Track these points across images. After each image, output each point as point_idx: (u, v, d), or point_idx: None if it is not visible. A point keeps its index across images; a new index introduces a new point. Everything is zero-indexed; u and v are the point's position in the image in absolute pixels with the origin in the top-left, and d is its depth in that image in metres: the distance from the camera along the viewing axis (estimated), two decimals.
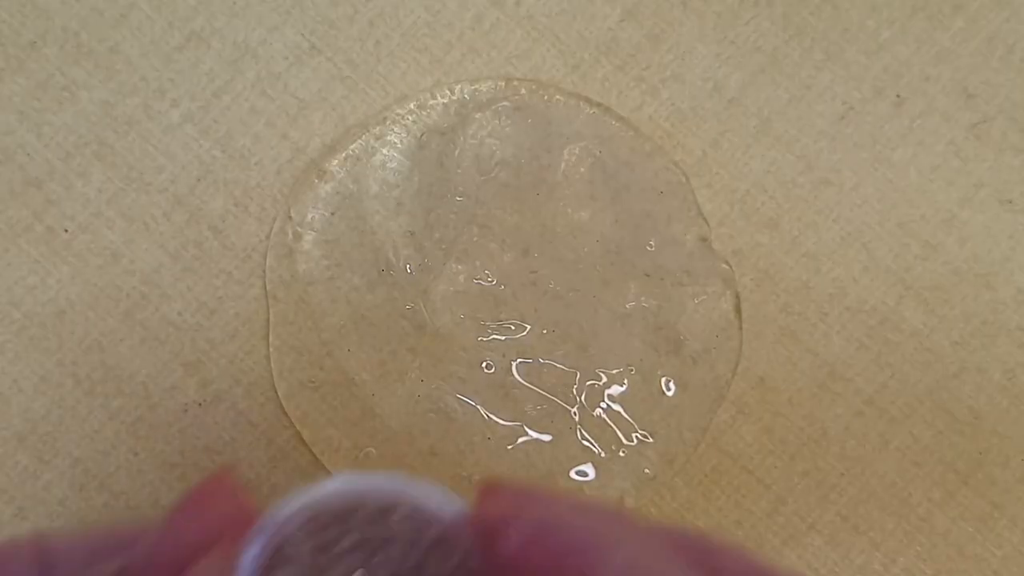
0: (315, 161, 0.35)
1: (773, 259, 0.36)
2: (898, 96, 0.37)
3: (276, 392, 0.34)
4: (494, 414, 0.34)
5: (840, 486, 0.34)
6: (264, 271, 0.34)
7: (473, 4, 0.37)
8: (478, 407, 0.34)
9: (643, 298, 0.35)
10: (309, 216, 0.35)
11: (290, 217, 0.35)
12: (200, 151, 0.35)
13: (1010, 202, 0.36)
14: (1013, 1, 0.38)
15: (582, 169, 0.35)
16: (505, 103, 0.35)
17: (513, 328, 0.34)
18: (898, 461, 0.34)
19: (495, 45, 0.37)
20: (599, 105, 0.36)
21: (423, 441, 0.33)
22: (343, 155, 0.35)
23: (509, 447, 0.33)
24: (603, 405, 0.34)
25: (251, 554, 0.19)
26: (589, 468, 0.33)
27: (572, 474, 0.33)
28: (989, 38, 0.38)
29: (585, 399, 0.34)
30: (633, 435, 0.34)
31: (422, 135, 0.35)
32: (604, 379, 0.34)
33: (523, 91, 0.36)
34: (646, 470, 0.33)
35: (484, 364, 0.34)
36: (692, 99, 0.37)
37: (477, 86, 0.36)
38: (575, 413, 0.34)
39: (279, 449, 0.34)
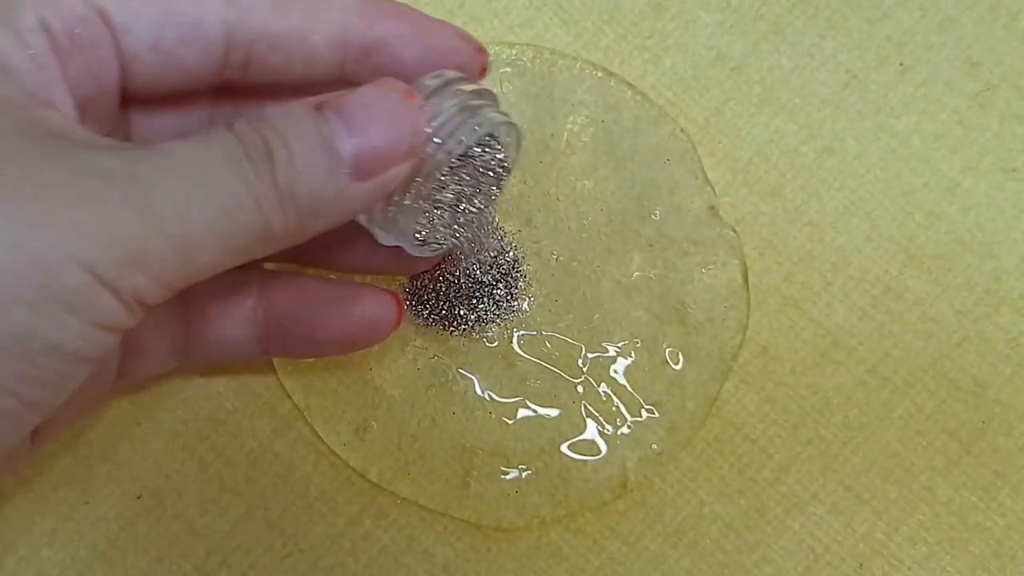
0: None
1: (776, 228, 0.36)
2: (901, 64, 0.37)
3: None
4: (495, 387, 0.34)
5: (843, 455, 0.34)
6: None
7: None
8: (479, 380, 0.34)
9: (648, 268, 0.34)
10: None
11: None
12: None
13: (1014, 170, 0.36)
14: None
15: (585, 138, 0.35)
16: (507, 69, 0.35)
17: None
18: (901, 430, 0.34)
19: (497, 13, 0.37)
20: (604, 69, 0.35)
21: (423, 414, 0.33)
22: None
23: (511, 421, 0.33)
24: (608, 378, 0.34)
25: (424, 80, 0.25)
26: (594, 443, 0.33)
27: (577, 449, 0.33)
28: (993, 6, 0.37)
29: (589, 372, 0.34)
30: (640, 410, 0.33)
31: None
32: (609, 352, 0.34)
33: (527, 55, 0.35)
34: (653, 446, 0.33)
35: (485, 336, 0.34)
36: (695, 68, 0.37)
37: None
38: (579, 387, 0.34)
39: (281, 419, 0.34)
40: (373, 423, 0.33)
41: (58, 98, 0.22)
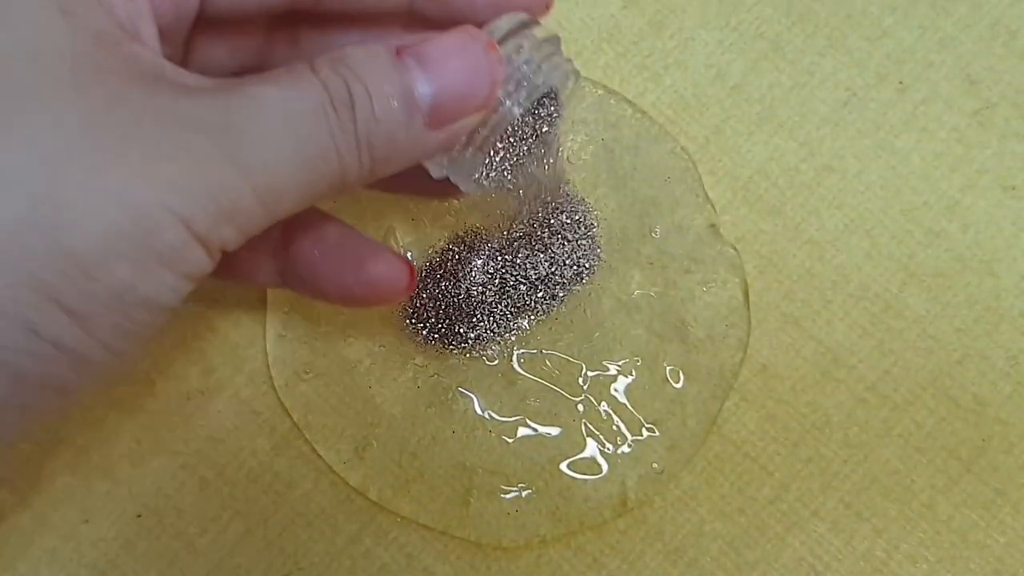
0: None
1: (776, 246, 0.36)
2: (901, 83, 0.37)
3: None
4: (496, 406, 0.34)
5: (843, 473, 0.34)
6: None
7: None
8: (479, 399, 0.34)
9: (649, 286, 0.34)
10: None
11: None
12: None
13: (1013, 188, 0.36)
14: None
15: (586, 155, 0.35)
16: None
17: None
18: (901, 448, 0.34)
19: None
20: (604, 87, 0.36)
21: (423, 432, 0.33)
22: None
23: (511, 440, 0.33)
24: (609, 397, 0.34)
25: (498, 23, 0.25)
26: (594, 462, 0.33)
27: (577, 468, 0.33)
28: (992, 24, 0.37)
29: (590, 390, 0.34)
30: (641, 428, 0.33)
31: None
32: (610, 370, 0.34)
33: None
34: (654, 464, 0.33)
35: (485, 355, 0.34)
36: (695, 86, 0.37)
37: None
38: (580, 405, 0.34)
39: (281, 437, 0.34)
40: (373, 441, 0.33)
41: (144, 30, 0.22)
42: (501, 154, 0.27)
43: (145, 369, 0.34)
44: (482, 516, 0.33)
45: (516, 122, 0.27)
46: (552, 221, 0.34)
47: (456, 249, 0.34)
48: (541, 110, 0.28)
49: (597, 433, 0.33)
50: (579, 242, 0.34)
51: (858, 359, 0.35)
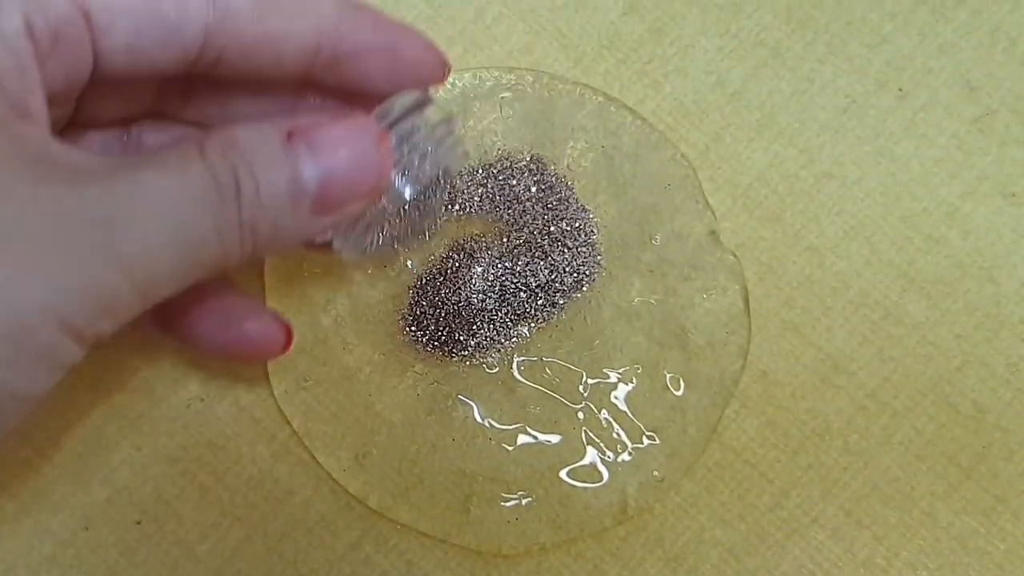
0: None
1: (776, 253, 0.36)
2: (900, 89, 0.37)
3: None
4: (496, 414, 0.34)
5: (843, 480, 0.34)
6: (264, 266, 0.34)
7: None
8: (479, 406, 0.34)
9: (649, 293, 0.34)
10: None
11: None
12: None
13: (1013, 195, 0.36)
14: None
15: (585, 163, 0.35)
16: (506, 94, 0.35)
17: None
18: (901, 455, 0.34)
19: (497, 39, 0.37)
20: (604, 94, 0.36)
21: (423, 440, 0.33)
22: None
23: (511, 447, 0.33)
24: (609, 404, 0.34)
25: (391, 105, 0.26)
26: (595, 470, 0.33)
27: (577, 476, 0.33)
28: (992, 31, 0.37)
29: (590, 398, 0.34)
30: (642, 436, 0.33)
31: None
32: (610, 377, 0.34)
33: (526, 80, 0.35)
34: (654, 472, 0.33)
35: (485, 362, 0.34)
36: (695, 93, 0.37)
37: (480, 74, 0.35)
38: (580, 413, 0.34)
39: (281, 444, 0.34)
40: (373, 449, 0.33)
41: (33, 104, 0.22)
42: (387, 231, 0.28)
43: (145, 376, 0.34)
44: (482, 523, 0.33)
45: (404, 205, 0.28)
46: (552, 228, 0.34)
47: (456, 257, 0.34)
48: (429, 189, 0.28)
49: (597, 441, 0.33)
50: (579, 249, 0.34)
51: (858, 366, 0.35)
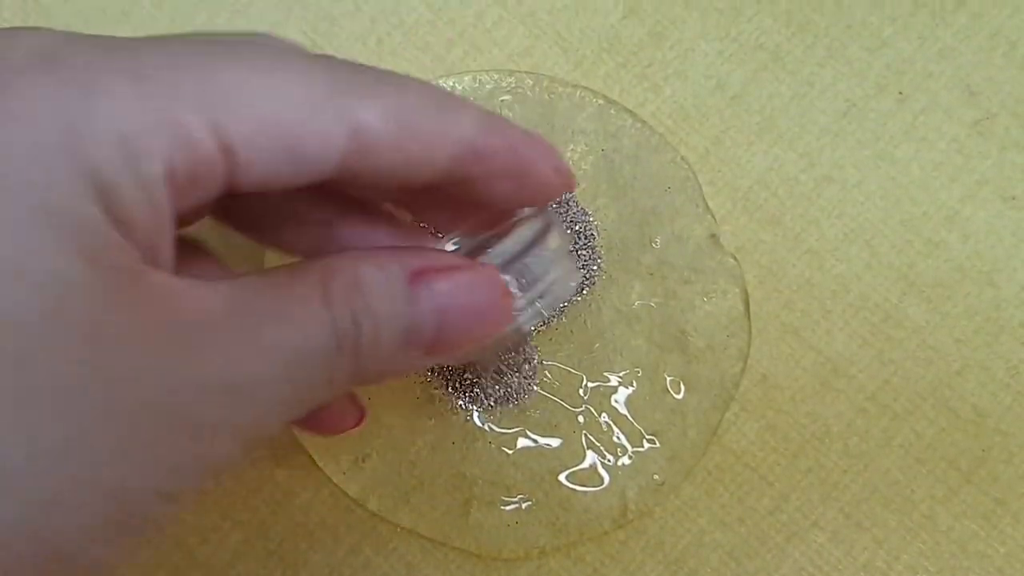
0: None
1: (776, 256, 0.36)
2: (900, 93, 0.37)
3: None
4: (495, 417, 0.34)
5: (843, 483, 0.34)
6: (263, 265, 0.34)
7: (475, 1, 0.37)
8: (479, 410, 0.34)
9: (649, 296, 0.34)
10: None
11: None
12: None
13: (1013, 199, 0.36)
14: None
15: (586, 166, 0.35)
16: (506, 96, 0.35)
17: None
18: (901, 458, 0.34)
19: (497, 42, 0.37)
20: (604, 97, 0.36)
21: (423, 443, 0.33)
22: None
23: (511, 451, 0.33)
24: (609, 408, 0.34)
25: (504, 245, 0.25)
26: (595, 474, 0.33)
27: (578, 480, 0.33)
28: (991, 35, 0.37)
29: (590, 401, 0.34)
30: (642, 440, 0.33)
31: None
32: (611, 381, 0.34)
33: (526, 83, 0.35)
34: (655, 476, 0.33)
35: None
36: (695, 96, 0.37)
37: (479, 77, 0.35)
38: (580, 416, 0.34)
39: (282, 447, 0.34)
40: (372, 452, 0.33)
41: (163, 249, 0.21)
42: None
43: None
44: (482, 527, 0.33)
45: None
46: None
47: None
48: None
49: (597, 444, 0.33)
50: (579, 252, 0.34)
51: (858, 369, 0.35)
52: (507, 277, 0.24)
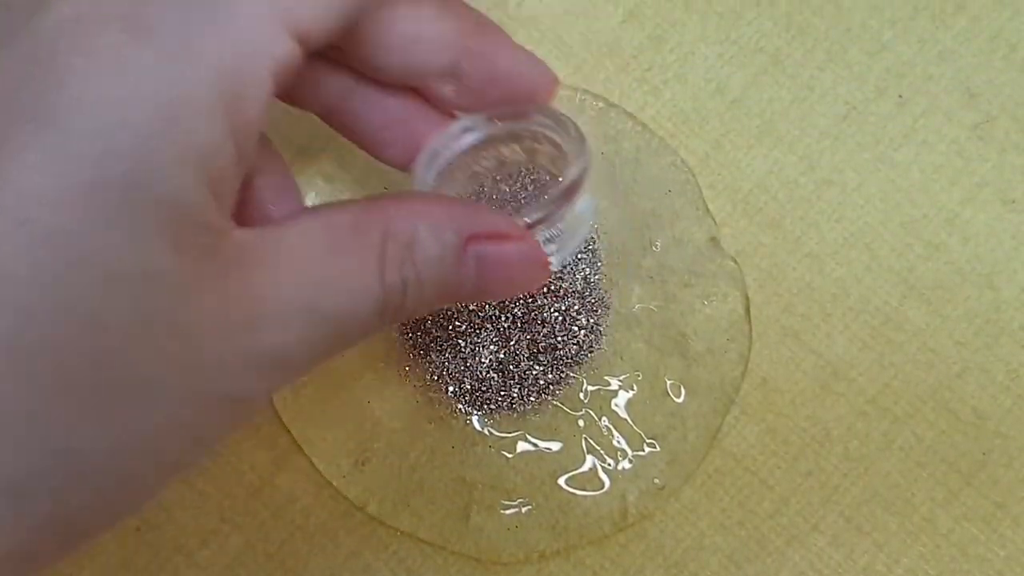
0: (319, 166, 0.35)
1: (776, 259, 0.36)
2: (900, 96, 0.37)
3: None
4: (495, 421, 0.34)
5: (843, 487, 0.34)
6: None
7: (475, 5, 0.37)
8: (478, 413, 0.34)
9: (649, 300, 0.34)
10: None
11: None
12: None
13: (1013, 202, 0.36)
14: (1016, 0, 0.37)
15: None
16: None
17: None
18: (901, 461, 0.34)
19: None
20: (605, 100, 0.36)
21: (423, 447, 0.33)
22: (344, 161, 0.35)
23: (510, 455, 0.33)
24: (610, 411, 0.34)
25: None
26: (595, 478, 0.33)
27: (577, 483, 0.33)
28: (992, 37, 0.37)
29: (590, 405, 0.34)
30: (642, 444, 0.33)
31: None
32: (611, 384, 0.34)
33: None
34: (655, 480, 0.33)
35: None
36: (695, 100, 0.37)
37: None
38: (580, 420, 0.34)
39: (281, 451, 0.34)
40: (372, 456, 0.33)
41: (236, 180, 0.22)
42: None
43: None
44: (482, 531, 0.33)
45: None
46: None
47: None
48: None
49: (598, 448, 0.33)
50: (579, 255, 0.34)
51: (858, 372, 0.35)
52: (541, 236, 0.26)
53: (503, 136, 0.28)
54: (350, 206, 0.23)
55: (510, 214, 0.25)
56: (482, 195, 0.30)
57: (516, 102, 0.27)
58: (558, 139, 0.28)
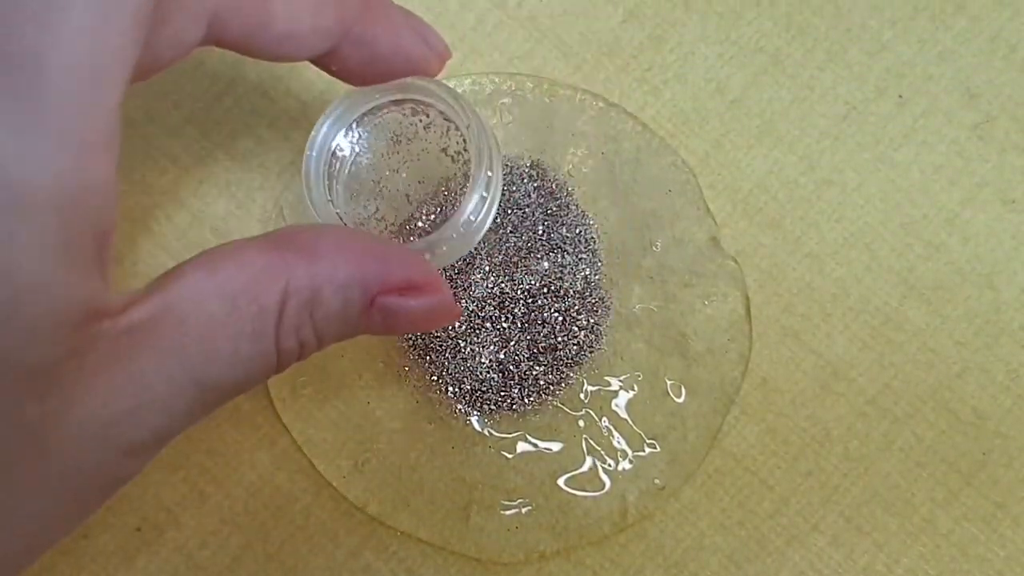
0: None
1: (776, 260, 0.36)
2: (900, 96, 0.37)
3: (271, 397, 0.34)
4: (495, 421, 0.34)
5: (843, 487, 0.34)
6: None
7: (475, 5, 0.37)
8: (478, 414, 0.34)
9: (649, 300, 0.34)
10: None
11: (284, 219, 0.35)
12: (202, 153, 0.35)
13: (1013, 202, 0.36)
14: (1015, 1, 0.37)
15: (586, 169, 0.35)
16: (506, 99, 0.35)
17: None
18: (901, 461, 0.34)
19: (497, 46, 0.37)
20: (605, 100, 0.36)
21: (423, 447, 0.33)
22: None
23: (510, 455, 0.33)
24: (610, 412, 0.34)
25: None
26: (595, 478, 0.33)
27: (578, 484, 0.33)
28: (991, 38, 0.37)
29: (590, 405, 0.34)
30: (643, 444, 0.33)
31: None
32: (611, 385, 0.34)
33: (526, 86, 0.35)
34: (655, 480, 0.33)
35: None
36: (695, 100, 0.37)
37: (479, 80, 0.35)
38: (580, 421, 0.34)
39: (282, 451, 0.34)
40: (372, 456, 0.33)
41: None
42: None
43: None
44: (482, 531, 0.33)
45: None
46: (552, 234, 0.34)
47: (455, 263, 0.34)
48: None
49: (598, 448, 0.33)
50: (579, 255, 0.34)
51: (858, 372, 0.35)
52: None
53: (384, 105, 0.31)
54: (249, 256, 0.22)
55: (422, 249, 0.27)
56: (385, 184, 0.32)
57: (400, 77, 0.28)
58: (441, 107, 0.30)
